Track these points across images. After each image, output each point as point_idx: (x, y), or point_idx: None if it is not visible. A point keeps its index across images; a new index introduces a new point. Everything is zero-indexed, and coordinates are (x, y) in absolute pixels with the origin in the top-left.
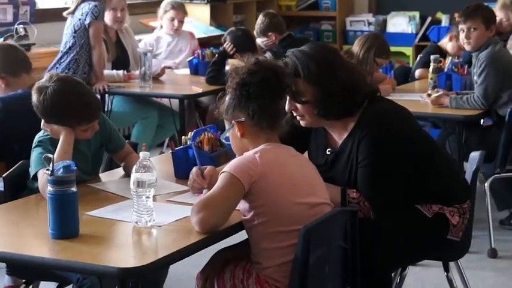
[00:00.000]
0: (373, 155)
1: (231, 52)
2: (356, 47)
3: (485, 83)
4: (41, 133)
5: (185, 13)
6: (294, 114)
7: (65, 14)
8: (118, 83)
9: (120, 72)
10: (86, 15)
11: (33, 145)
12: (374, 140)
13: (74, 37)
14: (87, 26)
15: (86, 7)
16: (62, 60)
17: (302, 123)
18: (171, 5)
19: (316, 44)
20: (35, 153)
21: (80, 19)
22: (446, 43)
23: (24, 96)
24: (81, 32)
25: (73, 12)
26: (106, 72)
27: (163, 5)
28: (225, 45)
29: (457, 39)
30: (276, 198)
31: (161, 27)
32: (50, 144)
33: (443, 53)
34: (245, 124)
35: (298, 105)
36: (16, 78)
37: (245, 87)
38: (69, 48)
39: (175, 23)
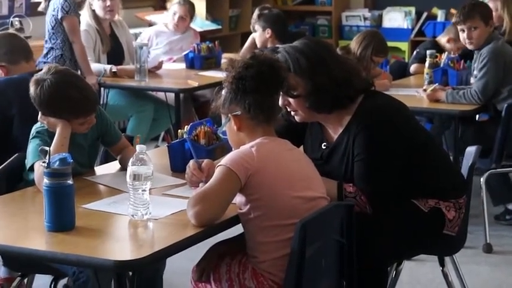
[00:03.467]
0: (369, 149)
1: (269, 38)
2: (354, 44)
3: (485, 78)
4: (38, 124)
5: (190, 12)
6: (288, 109)
7: (40, 9)
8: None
9: (108, 67)
10: (58, 10)
11: (31, 136)
12: (370, 134)
13: (53, 33)
14: (60, 21)
15: (56, 2)
16: (49, 56)
17: (296, 118)
18: (179, 0)
19: (308, 39)
20: (32, 145)
21: (53, 15)
22: (444, 43)
23: (19, 81)
24: (57, 27)
25: (45, 9)
26: (95, 66)
27: None
28: (264, 34)
29: (455, 41)
30: (272, 192)
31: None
32: (48, 135)
33: (440, 49)
34: (241, 118)
35: (291, 100)
36: (16, 66)
37: (241, 80)
38: (53, 44)
39: (176, 18)
